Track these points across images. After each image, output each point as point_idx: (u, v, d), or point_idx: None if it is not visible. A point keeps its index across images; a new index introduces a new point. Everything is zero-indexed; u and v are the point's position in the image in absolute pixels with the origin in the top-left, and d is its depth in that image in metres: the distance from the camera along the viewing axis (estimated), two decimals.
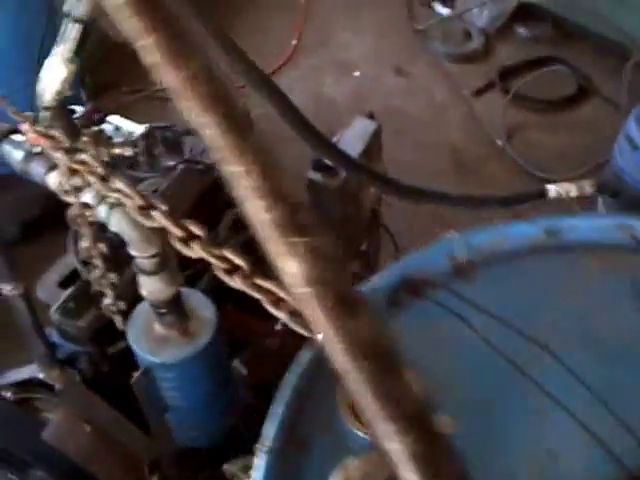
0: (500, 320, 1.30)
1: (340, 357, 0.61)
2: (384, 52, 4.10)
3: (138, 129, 1.81)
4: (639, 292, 1.47)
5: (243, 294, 2.13)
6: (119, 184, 0.94)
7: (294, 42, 4.16)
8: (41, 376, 1.77)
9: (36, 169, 1.54)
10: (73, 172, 1.07)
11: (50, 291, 1.92)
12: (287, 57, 4.03)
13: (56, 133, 1.05)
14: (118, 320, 1.47)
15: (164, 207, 0.92)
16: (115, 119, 1.85)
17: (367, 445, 1.18)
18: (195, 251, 0.90)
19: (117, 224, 1.25)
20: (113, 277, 1.34)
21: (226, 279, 0.91)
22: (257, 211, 0.62)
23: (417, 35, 4.12)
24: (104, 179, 0.97)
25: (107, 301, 1.43)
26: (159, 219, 0.91)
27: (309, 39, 4.21)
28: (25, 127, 1.17)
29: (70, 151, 1.02)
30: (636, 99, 3.43)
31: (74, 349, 1.81)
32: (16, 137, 1.59)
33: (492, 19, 3.99)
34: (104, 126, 1.80)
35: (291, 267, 0.61)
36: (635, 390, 1.30)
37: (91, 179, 0.97)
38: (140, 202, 0.93)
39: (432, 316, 1.39)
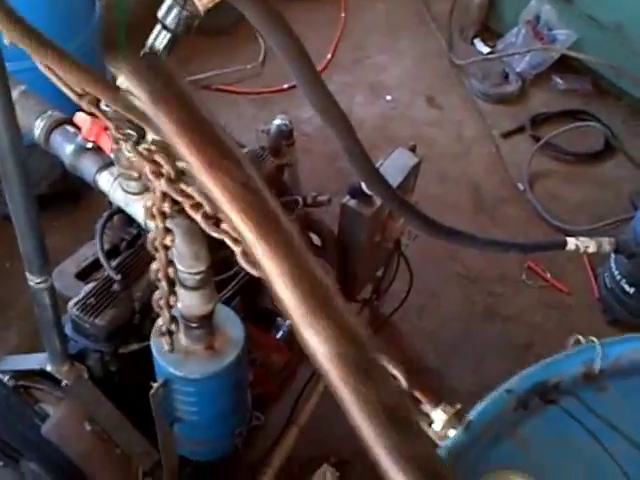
0: (628, 437, 1.28)
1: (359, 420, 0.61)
2: (419, 80, 4.09)
3: None
4: None
5: (256, 308, 2.12)
6: (228, 227, 0.89)
7: (329, 56, 4.15)
8: (49, 369, 1.72)
9: (86, 166, 1.51)
10: (165, 197, 1.02)
11: (67, 281, 1.88)
12: (320, 71, 4.01)
13: (160, 159, 1.00)
14: (167, 341, 1.43)
15: None
16: None
17: None
18: None
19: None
20: (174, 300, 1.31)
21: None
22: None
23: (454, 69, 4.11)
24: (208, 217, 0.92)
25: (160, 322, 1.39)
26: None
27: (344, 56, 4.20)
28: (127, 146, 1.12)
29: (174, 181, 0.97)
30: None
31: (86, 345, 1.78)
32: (69, 128, 1.56)
33: (532, 66, 3.99)
34: None
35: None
36: None
37: (196, 216, 0.92)
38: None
39: (562, 424, 1.37)
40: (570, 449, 1.33)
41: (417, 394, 0.85)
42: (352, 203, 2.08)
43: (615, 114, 3.92)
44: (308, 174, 2.90)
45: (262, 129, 2.25)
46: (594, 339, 1.46)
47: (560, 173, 3.68)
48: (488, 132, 3.78)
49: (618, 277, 3.02)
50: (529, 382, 1.40)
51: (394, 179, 2.10)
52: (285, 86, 3.75)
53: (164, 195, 1.04)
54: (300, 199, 2.13)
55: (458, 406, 0.92)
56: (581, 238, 2.53)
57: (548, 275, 3.21)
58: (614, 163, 3.75)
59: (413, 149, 2.27)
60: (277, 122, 2.17)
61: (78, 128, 1.58)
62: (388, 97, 3.98)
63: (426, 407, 0.87)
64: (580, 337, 1.46)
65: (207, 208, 0.93)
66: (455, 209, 3.39)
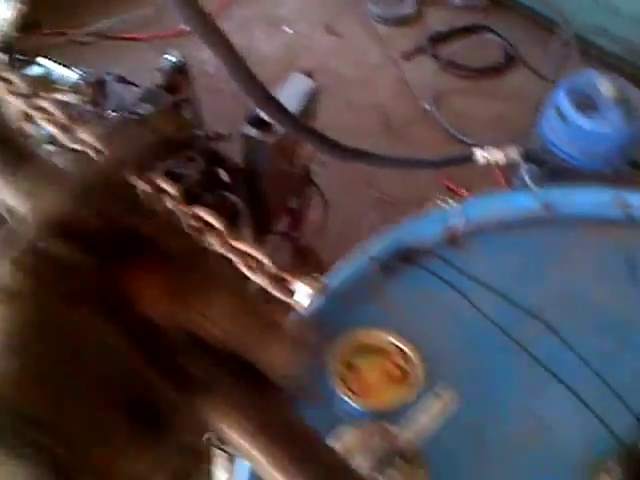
0: (494, 290, 1.32)
1: None
2: (316, 10, 4.05)
3: (70, 74, 1.74)
4: (632, 266, 1.49)
5: None
6: (84, 135, 0.88)
7: None
8: None
9: None
10: (28, 119, 1.00)
11: None
12: (220, 7, 3.94)
13: (13, 77, 0.97)
14: None
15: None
16: (45, 61, 1.77)
17: (358, 414, 1.19)
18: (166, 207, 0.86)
19: None
20: None
21: (200, 238, 0.88)
22: None
23: None
24: (66, 129, 0.91)
25: None
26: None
27: None
28: None
29: (28, 97, 0.95)
30: (562, 71, 3.49)
31: None
32: None
33: None
34: (33, 68, 1.71)
35: None
36: (629, 363, 1.32)
37: (51, 128, 0.90)
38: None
39: (426, 284, 1.40)
40: (436, 307, 1.37)
41: (282, 274, 0.87)
42: (253, 132, 2.07)
43: (513, 26, 3.96)
44: (214, 113, 2.86)
45: (156, 67, 2.22)
46: (451, 201, 1.50)
47: (464, 90, 3.72)
48: (389, 55, 3.78)
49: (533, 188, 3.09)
50: (390, 247, 1.43)
51: (291, 104, 2.08)
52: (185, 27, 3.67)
53: (24, 114, 1.02)
54: (202, 134, 2.11)
55: (317, 275, 0.94)
56: (487, 148, 2.57)
57: (465, 193, 3.26)
58: (516, 75, 3.81)
59: (309, 74, 2.26)
60: (168, 57, 2.13)
61: None
62: (288, 29, 3.94)
63: (290, 284, 0.89)
64: (438, 201, 1.49)
65: (62, 119, 0.92)
66: (365, 135, 3.39)
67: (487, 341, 1.32)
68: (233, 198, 2.19)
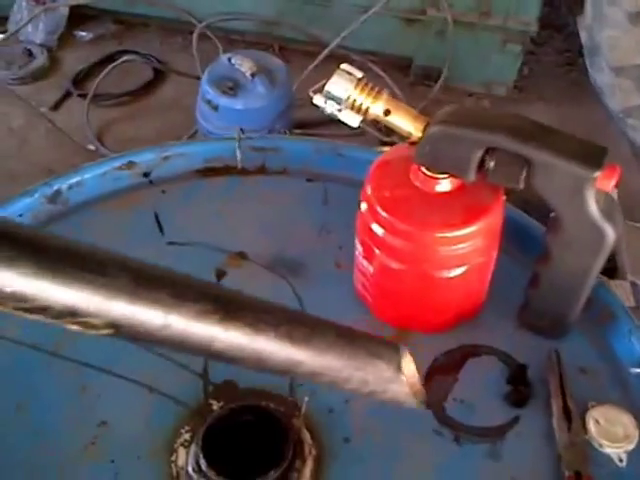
0: None
1: None
2: None
3: None
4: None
5: None
6: None
7: None
8: None
9: None
10: None
11: None
12: None
13: None
14: None
15: None
16: None
17: None
18: None
19: None
20: None
21: None
22: None
23: None
24: None
25: None
26: None
27: None
28: None
29: None
30: (207, 66, 3.50)
31: None
32: None
33: (49, 32, 3.87)
34: None
35: None
36: None
37: None
38: None
39: None
40: None
41: None
42: None
43: (151, 40, 3.96)
44: None
45: None
46: None
47: (122, 117, 3.64)
48: (37, 113, 3.61)
49: None
50: None
51: None
52: None
53: None
54: None
55: None
56: None
57: None
58: (170, 85, 3.79)
59: None
60: None
61: None
62: None
63: None
64: None
65: None
66: None
67: None
68: None
